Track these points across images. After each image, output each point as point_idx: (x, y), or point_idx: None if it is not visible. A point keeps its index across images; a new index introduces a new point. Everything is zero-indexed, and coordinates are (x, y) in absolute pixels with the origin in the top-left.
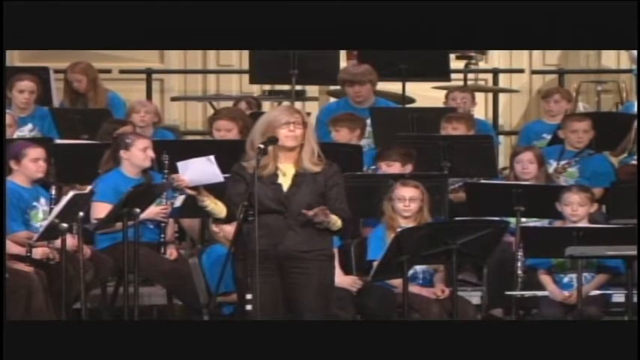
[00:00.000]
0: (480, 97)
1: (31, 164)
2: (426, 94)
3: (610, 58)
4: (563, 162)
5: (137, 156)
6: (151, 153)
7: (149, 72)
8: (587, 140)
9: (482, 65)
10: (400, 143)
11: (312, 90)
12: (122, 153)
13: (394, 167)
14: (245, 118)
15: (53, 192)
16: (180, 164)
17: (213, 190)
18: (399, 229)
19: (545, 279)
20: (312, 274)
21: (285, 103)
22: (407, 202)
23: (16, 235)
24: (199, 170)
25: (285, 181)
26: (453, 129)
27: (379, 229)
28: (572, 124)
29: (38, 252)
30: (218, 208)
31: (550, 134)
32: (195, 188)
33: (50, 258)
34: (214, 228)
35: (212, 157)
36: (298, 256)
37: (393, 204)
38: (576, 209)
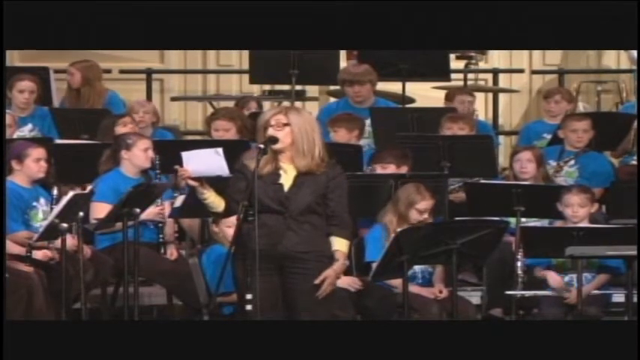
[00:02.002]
0: (480, 97)
1: (34, 164)
2: (426, 94)
3: (610, 58)
4: (560, 161)
5: (138, 156)
6: (151, 153)
7: (149, 72)
8: (586, 140)
9: (482, 65)
10: (396, 144)
11: (312, 90)
12: (123, 153)
13: (389, 169)
14: (244, 118)
15: (55, 192)
16: (184, 154)
17: (214, 185)
18: (398, 229)
19: (544, 273)
20: (311, 275)
21: (285, 103)
22: (426, 215)
23: (16, 235)
24: (205, 161)
25: (286, 181)
26: (459, 129)
27: (376, 230)
28: (572, 123)
29: (39, 254)
30: (217, 201)
31: (550, 134)
32: (197, 179)
33: (51, 258)
34: (214, 228)
35: (220, 150)
36: (297, 256)
37: (409, 212)
38: (577, 210)
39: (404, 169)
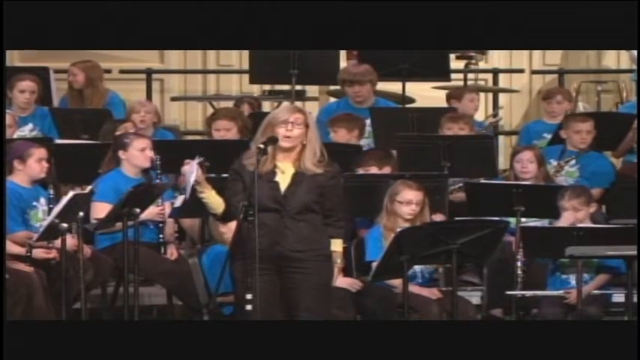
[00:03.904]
0: (479, 97)
1: (36, 164)
2: (426, 94)
3: (610, 58)
4: (561, 161)
5: (135, 156)
6: (149, 153)
7: (149, 72)
8: (590, 141)
9: (482, 65)
10: (382, 145)
11: (312, 90)
12: (121, 153)
13: (371, 171)
14: (244, 118)
15: (51, 191)
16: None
17: (215, 185)
18: (398, 229)
19: None
20: (309, 274)
21: (286, 103)
22: (413, 206)
23: (15, 235)
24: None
25: (283, 180)
26: (460, 129)
27: (376, 230)
28: (576, 124)
29: (38, 252)
30: (215, 202)
31: (550, 134)
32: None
33: (52, 258)
34: (222, 228)
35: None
36: (294, 256)
37: (394, 206)
38: (576, 215)
39: (387, 170)
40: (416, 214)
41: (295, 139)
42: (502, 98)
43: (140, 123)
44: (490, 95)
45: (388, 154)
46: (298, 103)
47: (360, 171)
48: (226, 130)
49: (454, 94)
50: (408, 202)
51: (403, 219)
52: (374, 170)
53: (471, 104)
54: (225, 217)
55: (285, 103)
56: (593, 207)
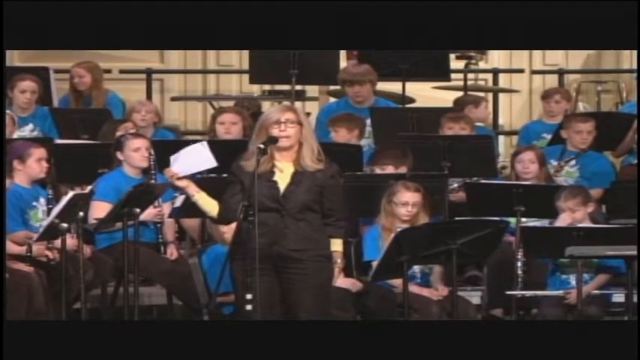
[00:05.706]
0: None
1: (36, 164)
2: (426, 94)
3: (610, 58)
4: (561, 161)
5: (130, 156)
6: (145, 153)
7: (149, 72)
8: (590, 141)
9: (482, 65)
10: (395, 144)
11: (312, 90)
12: (118, 154)
13: (387, 170)
14: (247, 117)
15: (50, 191)
16: (172, 157)
17: (210, 187)
18: (398, 229)
19: None
20: (308, 275)
21: (285, 103)
22: (410, 208)
23: (15, 234)
24: (189, 158)
25: (282, 179)
26: (461, 129)
27: (374, 229)
28: (577, 125)
29: (36, 250)
30: (208, 205)
31: (550, 134)
32: (185, 180)
33: (51, 259)
34: (223, 228)
35: (205, 143)
36: (293, 256)
37: (392, 207)
38: (573, 215)
39: (403, 170)
40: (413, 216)
41: (291, 138)
42: (502, 98)
43: (141, 122)
44: (490, 95)
45: (405, 153)
46: (298, 103)
47: (377, 169)
48: (232, 124)
49: (471, 101)
50: (404, 203)
51: (400, 220)
52: (390, 169)
53: (486, 111)
54: (221, 219)
55: (285, 103)
56: (591, 207)
